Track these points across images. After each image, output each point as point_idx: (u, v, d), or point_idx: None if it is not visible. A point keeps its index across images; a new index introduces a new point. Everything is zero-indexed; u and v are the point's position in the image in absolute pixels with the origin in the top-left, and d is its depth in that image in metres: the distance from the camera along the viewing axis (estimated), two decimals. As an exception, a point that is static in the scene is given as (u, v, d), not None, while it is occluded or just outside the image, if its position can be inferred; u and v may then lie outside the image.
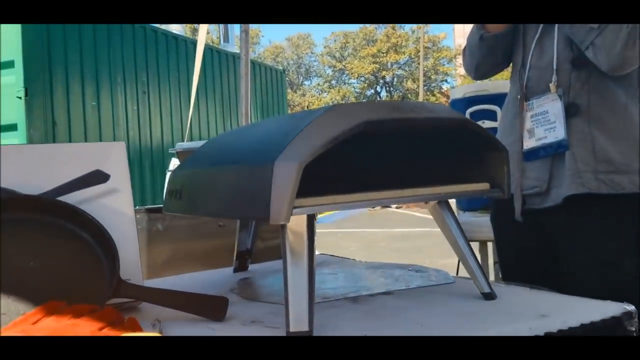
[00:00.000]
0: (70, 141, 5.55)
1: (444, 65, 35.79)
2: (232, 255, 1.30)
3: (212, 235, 2.01)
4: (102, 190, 1.03)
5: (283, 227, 0.77)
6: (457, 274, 1.39)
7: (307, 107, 36.08)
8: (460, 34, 32.79)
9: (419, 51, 30.85)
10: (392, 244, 8.53)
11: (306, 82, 41.43)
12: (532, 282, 1.18)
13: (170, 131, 7.26)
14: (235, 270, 1.30)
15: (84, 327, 0.71)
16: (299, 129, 0.76)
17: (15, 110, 5.11)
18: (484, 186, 0.92)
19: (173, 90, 7.37)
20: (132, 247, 1.02)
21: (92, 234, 0.92)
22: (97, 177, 1.02)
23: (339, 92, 37.56)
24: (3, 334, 0.71)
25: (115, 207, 1.03)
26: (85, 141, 5.75)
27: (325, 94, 38.48)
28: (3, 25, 4.93)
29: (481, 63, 1.61)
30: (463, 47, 1.68)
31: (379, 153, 1.05)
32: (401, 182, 0.89)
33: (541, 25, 1.47)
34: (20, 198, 0.95)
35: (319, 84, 40.23)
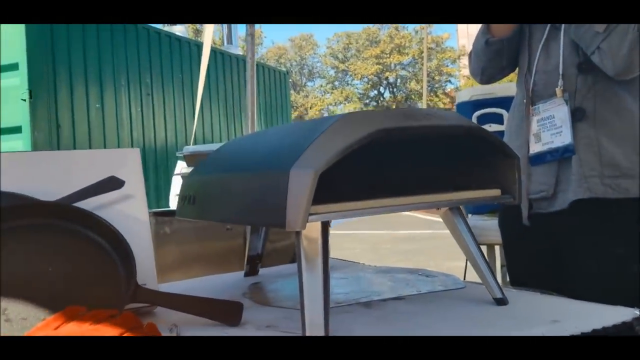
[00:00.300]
0: (74, 143, 5.57)
1: (447, 66, 35.75)
2: (239, 257, 1.31)
3: (219, 239, 2.02)
4: (117, 196, 1.04)
5: (298, 233, 0.78)
6: (464, 278, 1.40)
7: (310, 108, 36.05)
8: (463, 34, 32.73)
9: (422, 52, 30.85)
10: (397, 246, 8.53)
11: (309, 83, 41.45)
12: (540, 286, 1.19)
13: (174, 133, 7.27)
14: (246, 275, 1.31)
15: (105, 332, 0.72)
16: (314, 137, 0.77)
17: (19, 113, 5.12)
18: (495, 192, 0.93)
19: (177, 92, 7.38)
20: (146, 253, 1.04)
21: (108, 239, 0.93)
22: (112, 184, 1.03)
23: (342, 93, 37.55)
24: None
25: (129, 213, 1.05)
26: (89, 143, 5.77)
27: (328, 95, 38.47)
28: (7, 27, 4.94)
29: (487, 67, 1.62)
30: (469, 50, 1.69)
31: (390, 159, 1.06)
32: (412, 188, 0.90)
33: (547, 30, 1.48)
34: (37, 204, 0.96)
35: (322, 85, 40.21)
